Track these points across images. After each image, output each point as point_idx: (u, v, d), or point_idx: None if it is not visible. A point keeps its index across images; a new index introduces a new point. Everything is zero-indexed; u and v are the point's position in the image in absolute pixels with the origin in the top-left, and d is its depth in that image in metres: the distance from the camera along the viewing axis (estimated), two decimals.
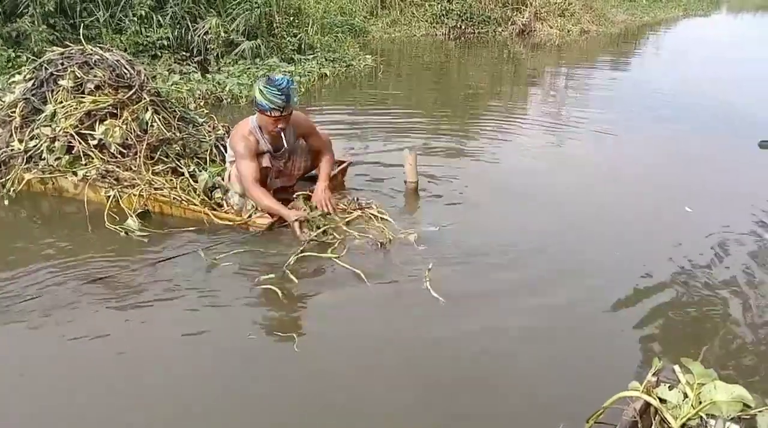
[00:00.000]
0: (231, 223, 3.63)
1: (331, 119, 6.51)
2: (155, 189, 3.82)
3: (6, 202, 3.93)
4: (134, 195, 3.75)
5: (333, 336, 2.72)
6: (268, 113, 3.41)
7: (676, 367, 1.99)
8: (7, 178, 3.98)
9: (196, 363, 2.52)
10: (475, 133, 6.05)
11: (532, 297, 2.98)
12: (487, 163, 5.03)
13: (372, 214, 3.72)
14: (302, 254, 3.26)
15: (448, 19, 14.79)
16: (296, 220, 3.46)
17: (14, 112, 4.19)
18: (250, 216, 3.63)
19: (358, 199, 3.92)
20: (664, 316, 2.86)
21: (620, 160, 5.25)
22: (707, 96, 7.88)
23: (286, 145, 3.69)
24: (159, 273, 3.14)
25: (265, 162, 3.60)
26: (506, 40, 14.24)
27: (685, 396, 1.88)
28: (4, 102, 4.39)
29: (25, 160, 4.02)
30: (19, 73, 4.53)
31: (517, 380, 2.44)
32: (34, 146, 4.02)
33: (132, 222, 3.57)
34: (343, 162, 4.38)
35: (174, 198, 3.75)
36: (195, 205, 3.72)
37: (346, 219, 3.66)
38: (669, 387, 1.92)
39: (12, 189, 3.96)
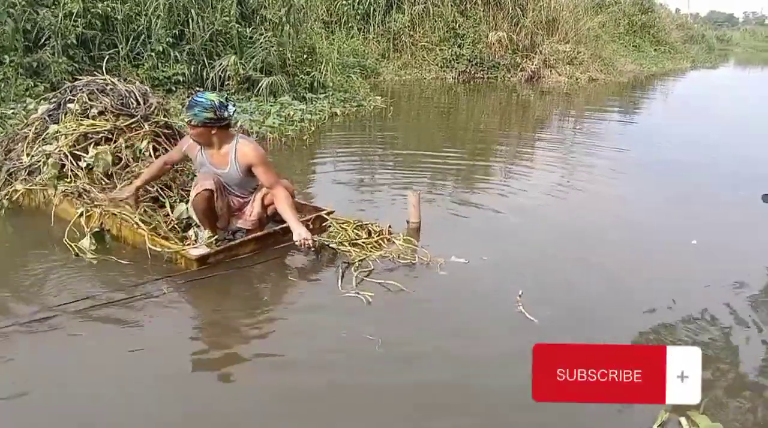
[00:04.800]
0: (168, 251, 3.46)
1: (339, 158, 6.59)
2: (119, 211, 3.74)
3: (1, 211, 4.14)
4: (95, 213, 3.73)
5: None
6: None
7: (683, 419, 1.96)
8: (7, 189, 4.18)
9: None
10: (481, 175, 6.10)
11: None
12: (492, 205, 5.00)
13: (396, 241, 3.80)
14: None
15: (458, 63, 15.06)
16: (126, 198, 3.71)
17: (30, 129, 4.39)
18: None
19: (390, 226, 3.97)
20: None
21: (625, 201, 5.30)
22: (712, 144, 7.92)
23: (227, 169, 3.60)
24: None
25: (208, 183, 3.48)
26: (515, 85, 14.45)
27: None
28: (26, 121, 4.65)
29: (26, 173, 4.17)
30: (45, 99, 4.73)
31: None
32: (36, 161, 4.16)
33: (86, 242, 3.51)
34: (323, 209, 4.07)
35: (122, 215, 3.66)
36: (142, 228, 3.56)
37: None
38: None
39: (6, 197, 4.15)
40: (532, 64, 15.10)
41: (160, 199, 4.00)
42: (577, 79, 15.27)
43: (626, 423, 2.36)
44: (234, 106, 3.67)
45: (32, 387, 2.42)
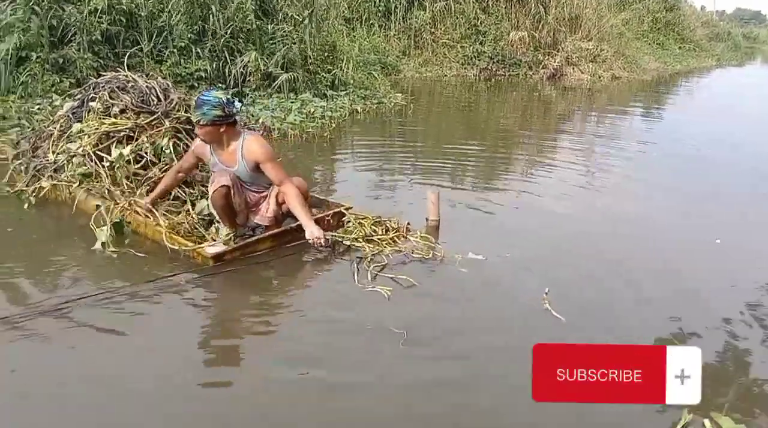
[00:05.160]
0: (185, 249, 3.49)
1: (359, 154, 6.60)
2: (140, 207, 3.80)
3: (25, 206, 4.19)
4: (117, 208, 3.77)
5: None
6: None
7: (706, 421, 1.94)
8: (34, 185, 4.26)
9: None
10: (501, 170, 6.07)
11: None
12: (512, 201, 4.97)
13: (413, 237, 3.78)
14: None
15: (479, 60, 15.00)
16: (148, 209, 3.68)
17: (55, 126, 4.47)
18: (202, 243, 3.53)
19: (409, 224, 3.95)
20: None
21: (646, 198, 5.24)
22: (737, 142, 7.77)
23: (236, 167, 3.60)
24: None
25: (224, 179, 3.51)
26: (537, 83, 14.34)
27: None
28: (52, 117, 4.70)
29: (52, 170, 4.24)
30: (70, 95, 4.78)
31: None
32: (62, 159, 4.23)
33: (105, 233, 3.51)
34: (341, 205, 4.07)
35: (138, 208, 3.75)
36: (161, 225, 3.59)
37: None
38: None
39: (33, 193, 4.23)
40: (555, 62, 14.99)
41: (181, 196, 4.01)
42: (599, 77, 15.11)
43: (649, 424, 2.33)
44: (241, 101, 3.67)
45: (32, 387, 2.41)
